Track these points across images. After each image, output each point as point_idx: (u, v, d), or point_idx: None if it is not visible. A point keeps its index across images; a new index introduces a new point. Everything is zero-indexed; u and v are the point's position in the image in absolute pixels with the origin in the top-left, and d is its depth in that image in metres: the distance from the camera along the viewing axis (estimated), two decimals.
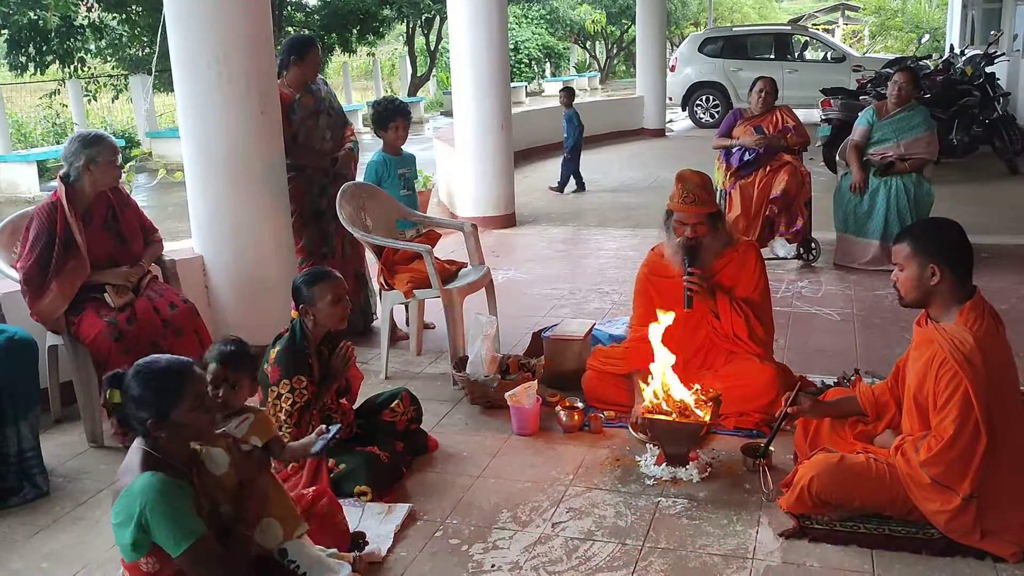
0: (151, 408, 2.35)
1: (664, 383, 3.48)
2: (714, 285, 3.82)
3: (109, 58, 16.33)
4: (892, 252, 2.93)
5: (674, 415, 3.40)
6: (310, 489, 2.97)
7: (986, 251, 6.47)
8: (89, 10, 14.69)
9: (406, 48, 25.12)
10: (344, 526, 2.91)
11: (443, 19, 21.11)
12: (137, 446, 2.38)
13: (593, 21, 30.30)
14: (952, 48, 14.95)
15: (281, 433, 3.20)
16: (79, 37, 14.44)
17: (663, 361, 3.51)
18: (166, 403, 2.36)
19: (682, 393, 3.47)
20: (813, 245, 6.43)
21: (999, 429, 2.71)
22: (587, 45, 34.46)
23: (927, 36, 23.43)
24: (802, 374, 4.07)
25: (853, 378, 3.96)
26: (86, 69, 15.37)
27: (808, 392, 3.48)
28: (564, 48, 31.45)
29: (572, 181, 10.08)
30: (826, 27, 33.26)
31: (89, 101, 16.06)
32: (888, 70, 10.16)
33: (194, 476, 2.42)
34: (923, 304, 2.88)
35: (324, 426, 2.98)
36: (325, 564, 2.66)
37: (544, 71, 30.00)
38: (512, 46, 25.42)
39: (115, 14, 14.88)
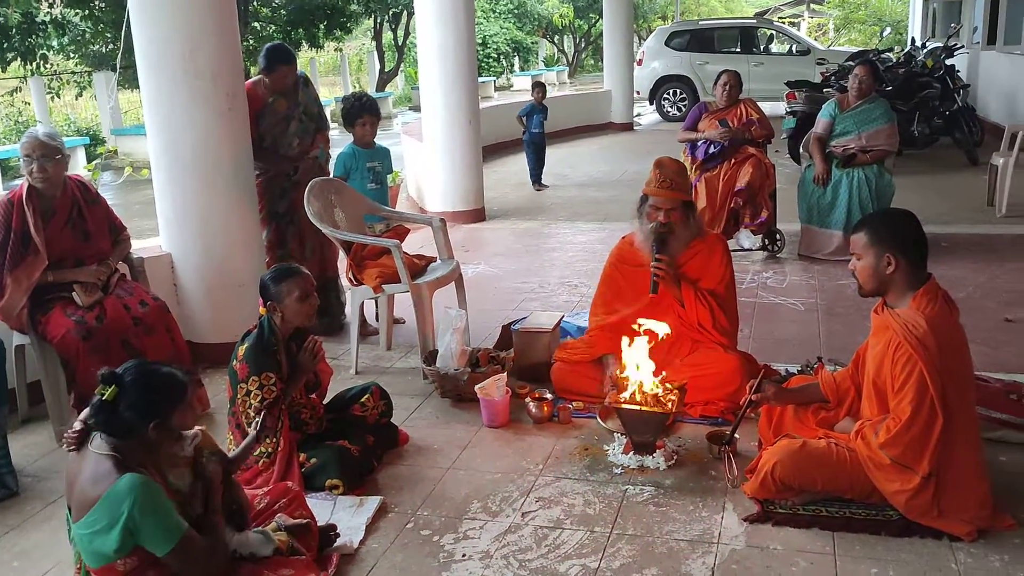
0: (155, 409, 2.36)
1: (635, 370, 3.55)
2: (680, 275, 3.89)
3: (72, 55, 16.08)
4: (851, 242, 3.01)
5: (641, 405, 3.46)
6: (264, 490, 2.96)
7: (945, 240, 6.62)
8: (51, 6, 14.46)
9: (374, 43, 25.01)
10: (311, 519, 2.91)
11: (411, 14, 21.05)
12: (99, 454, 2.33)
13: (561, 15, 30.36)
14: (913, 41, 15.19)
15: (251, 429, 3.22)
16: (41, 34, 14.20)
17: (639, 349, 3.57)
18: (168, 406, 2.39)
19: (649, 382, 3.53)
20: (778, 236, 6.52)
21: (954, 409, 2.79)
22: (555, 39, 34.51)
23: (889, 29, 23.71)
24: (766, 363, 4.16)
25: (816, 365, 4.04)
26: (48, 66, 15.14)
27: (772, 380, 3.56)
28: (532, 42, 31.49)
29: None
30: (791, 20, 33.55)
31: (52, 99, 15.83)
32: (850, 63, 10.30)
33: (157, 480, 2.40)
34: (881, 292, 2.96)
35: (256, 420, 3.00)
36: (263, 540, 2.64)
37: (512, 65, 30.00)
38: (480, 41, 25.46)
39: (78, 10, 14.64)
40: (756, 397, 3.32)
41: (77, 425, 2.46)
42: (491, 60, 28.04)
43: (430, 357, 4.25)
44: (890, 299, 2.95)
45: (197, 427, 2.60)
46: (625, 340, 3.62)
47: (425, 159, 8.34)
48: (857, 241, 2.96)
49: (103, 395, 2.34)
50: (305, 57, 22.27)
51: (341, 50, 24.27)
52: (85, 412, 2.45)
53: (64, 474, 3.49)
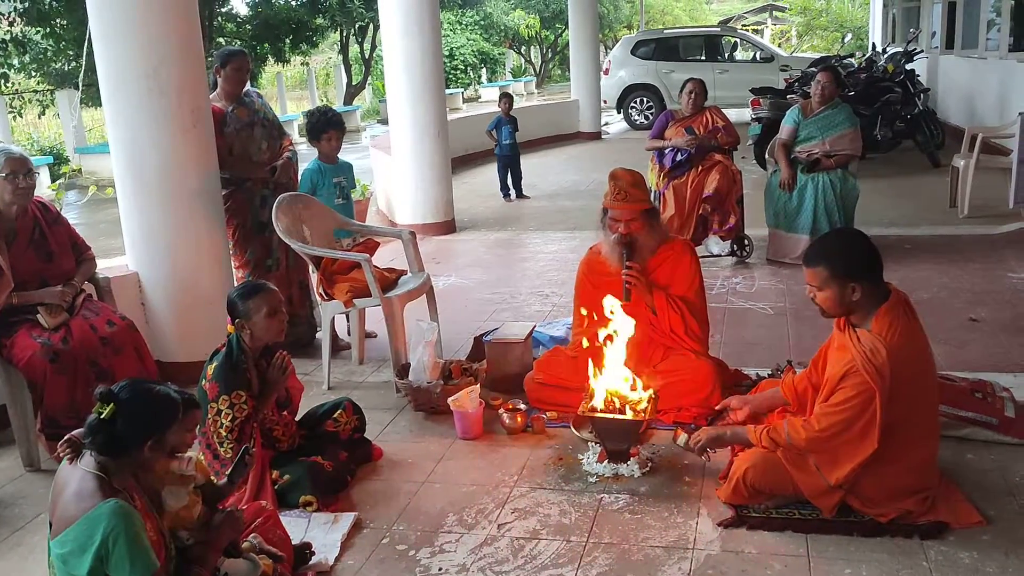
0: (151, 427, 2.35)
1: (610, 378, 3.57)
2: (651, 282, 3.91)
3: (34, 73, 15.91)
4: (807, 275, 2.98)
5: (614, 412, 3.48)
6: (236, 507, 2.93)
7: (909, 243, 6.72)
8: (11, 24, 14.31)
9: (340, 57, 24.95)
10: (286, 537, 2.90)
11: (377, 27, 20.99)
12: (84, 472, 2.31)
13: (527, 26, 30.46)
14: (874, 46, 15.42)
15: (223, 449, 3.19)
16: (2, 52, 14.04)
17: (613, 357, 3.59)
18: (164, 423, 2.38)
19: (622, 390, 3.54)
20: (746, 242, 6.58)
21: (908, 414, 2.86)
22: (522, 50, 34.63)
23: (850, 35, 24.08)
24: (737, 367, 4.19)
25: (785, 368, 4.08)
26: (10, 85, 14.96)
27: (742, 385, 3.61)
28: (499, 53, 31.55)
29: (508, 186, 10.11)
30: (755, 28, 33.92)
31: (14, 117, 15.63)
32: (813, 69, 10.43)
33: (137, 505, 2.36)
34: (845, 315, 2.99)
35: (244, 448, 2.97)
36: (251, 567, 2.63)
37: (480, 77, 30.06)
38: (447, 52, 25.46)
39: (39, 28, 14.51)
40: (722, 404, 3.46)
41: (75, 434, 2.42)
42: (458, 72, 28.07)
43: (403, 371, 4.24)
44: (854, 319, 2.98)
45: (189, 452, 2.57)
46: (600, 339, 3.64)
47: (394, 172, 8.33)
48: (817, 275, 2.93)
49: (100, 413, 2.31)
50: (271, 72, 22.21)
51: (308, 64, 24.22)
52: (80, 431, 2.40)
53: (31, 499, 3.48)
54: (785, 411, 3.32)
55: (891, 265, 5.42)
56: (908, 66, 10.97)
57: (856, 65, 11.83)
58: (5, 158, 3.74)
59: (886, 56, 11.73)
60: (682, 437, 3.54)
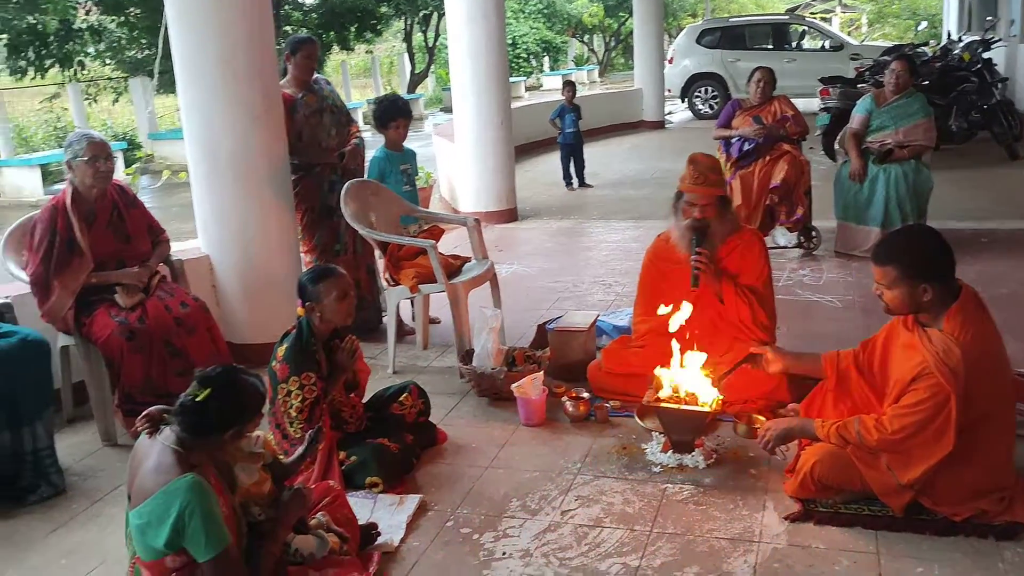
0: (238, 417, 2.43)
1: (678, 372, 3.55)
2: (719, 270, 3.88)
3: (108, 61, 16.35)
4: (876, 272, 2.91)
5: (680, 403, 3.45)
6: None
7: (985, 236, 6.52)
8: (88, 13, 14.72)
9: (404, 45, 25.12)
10: (353, 517, 2.95)
11: (441, 15, 21.11)
12: (163, 446, 2.38)
13: (591, 14, 30.27)
14: (949, 35, 14.96)
15: (292, 429, 3.26)
16: (78, 40, 14.46)
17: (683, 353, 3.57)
18: (250, 415, 2.46)
19: (691, 382, 3.51)
20: (814, 233, 6.47)
21: (985, 412, 2.78)
22: (585, 38, 34.42)
23: (924, 23, 23.43)
24: None
25: None
26: (86, 72, 15.40)
27: (809, 379, 3.55)
28: (562, 42, 31.40)
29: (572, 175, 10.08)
30: (824, 16, 33.15)
31: (90, 104, 16.09)
32: (886, 58, 10.17)
33: (211, 480, 2.43)
34: (913, 314, 2.92)
35: (309, 433, 3.03)
36: (320, 544, 2.69)
37: (542, 65, 29.98)
38: (510, 41, 25.42)
39: (114, 17, 14.90)
40: (755, 349, 3.42)
41: (154, 410, 2.50)
42: (521, 60, 28.02)
43: (466, 356, 4.27)
44: (923, 318, 2.90)
45: (258, 431, 2.65)
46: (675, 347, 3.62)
47: (457, 160, 8.37)
48: (887, 274, 2.86)
49: (196, 396, 2.38)
50: (336, 60, 22.47)
51: (372, 52, 24.46)
52: (159, 407, 2.50)
53: (108, 472, 3.59)
54: (824, 392, 3.25)
55: (966, 260, 5.30)
56: (985, 55, 10.61)
57: (930, 54, 11.48)
58: (87, 142, 3.85)
59: (962, 45, 11.36)
60: (741, 427, 3.53)
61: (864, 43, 19.11)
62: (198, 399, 2.37)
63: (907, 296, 2.84)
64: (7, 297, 3.90)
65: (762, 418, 3.57)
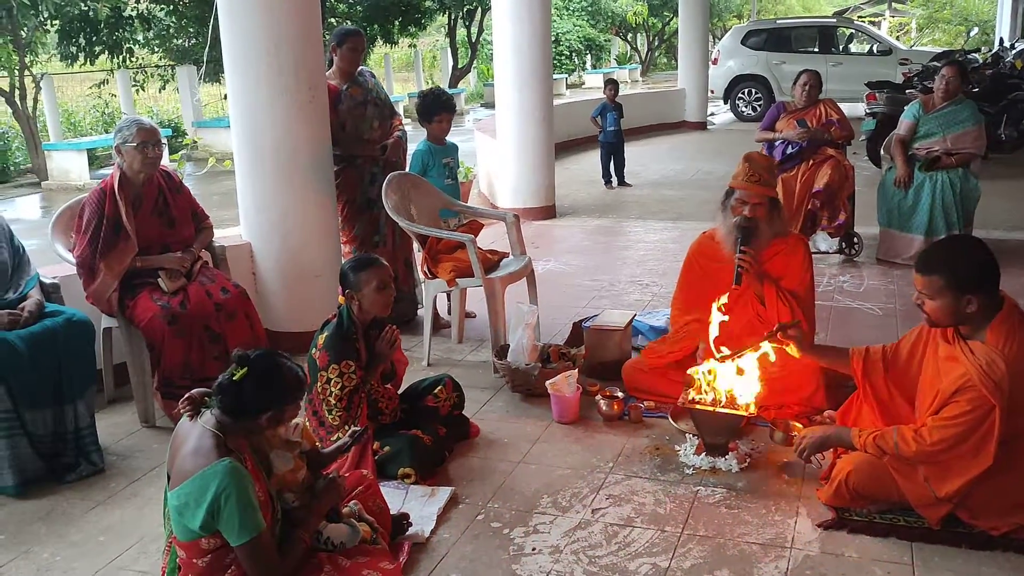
0: (275, 399, 2.45)
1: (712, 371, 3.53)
2: (763, 272, 3.85)
3: (156, 49, 16.58)
4: (919, 282, 2.85)
5: (715, 406, 3.43)
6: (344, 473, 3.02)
7: None
8: (138, 1, 14.93)
9: (447, 40, 25.18)
10: (385, 507, 2.97)
11: (484, 11, 21.13)
12: (203, 429, 2.41)
13: (635, 13, 30.10)
14: (1001, 42, 14.70)
15: (331, 416, 3.29)
16: (128, 28, 14.67)
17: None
18: (287, 399, 2.48)
19: (724, 383, 3.49)
20: (856, 240, 6.38)
21: (1012, 441, 2.73)
22: (628, 37, 34.26)
23: (976, 29, 22.97)
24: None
25: None
26: (134, 59, 15.63)
27: (847, 385, 3.51)
28: (605, 40, 31.29)
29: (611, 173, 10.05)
30: (872, 20, 32.69)
31: (137, 91, 16.33)
32: (935, 63, 10.03)
33: (248, 465, 2.46)
34: (955, 326, 2.87)
35: (354, 429, 3.05)
36: (351, 532, 2.71)
37: (585, 63, 29.91)
38: (553, 38, 25.35)
39: (163, 5, 15.11)
40: (780, 327, 3.39)
41: (195, 393, 2.54)
42: (563, 58, 27.97)
43: (501, 351, 4.27)
44: (964, 330, 2.86)
45: (295, 419, 2.67)
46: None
47: (498, 155, 8.38)
48: (932, 283, 2.80)
49: (233, 375, 2.42)
50: (379, 53, 22.58)
51: (415, 46, 24.53)
52: (200, 390, 2.53)
53: (147, 453, 3.65)
54: (893, 416, 3.20)
55: (1014, 272, 5.19)
56: None
57: (981, 60, 11.29)
58: (137, 128, 3.91)
59: (1014, 52, 11.16)
60: (778, 434, 3.50)
61: (913, 48, 18.81)
62: (235, 378, 2.41)
63: (950, 307, 2.80)
64: (55, 278, 3.97)
65: (799, 425, 3.54)
